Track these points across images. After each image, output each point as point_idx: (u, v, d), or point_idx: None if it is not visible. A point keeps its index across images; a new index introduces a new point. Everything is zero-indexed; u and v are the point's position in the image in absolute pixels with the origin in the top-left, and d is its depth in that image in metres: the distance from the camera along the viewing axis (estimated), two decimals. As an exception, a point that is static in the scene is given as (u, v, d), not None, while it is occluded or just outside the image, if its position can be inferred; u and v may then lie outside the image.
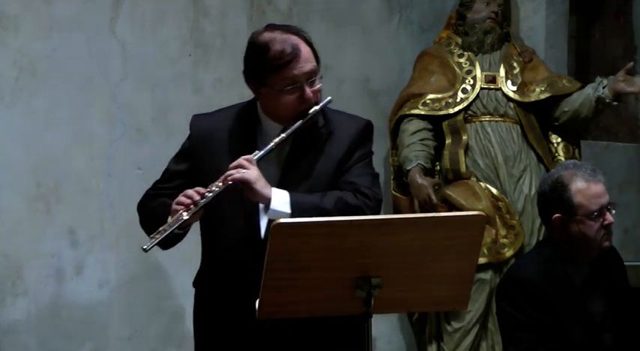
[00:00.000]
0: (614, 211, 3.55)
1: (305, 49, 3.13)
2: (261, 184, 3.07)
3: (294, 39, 3.13)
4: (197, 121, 3.31)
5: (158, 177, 3.38)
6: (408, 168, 5.09)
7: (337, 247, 2.81)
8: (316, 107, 3.16)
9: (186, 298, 3.50)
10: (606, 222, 3.52)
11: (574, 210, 3.50)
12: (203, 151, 3.24)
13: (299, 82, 3.12)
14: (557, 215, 3.53)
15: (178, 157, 3.33)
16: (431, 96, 5.22)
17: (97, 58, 4.54)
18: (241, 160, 3.09)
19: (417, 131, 5.18)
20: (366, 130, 3.25)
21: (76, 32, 4.48)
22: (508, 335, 3.57)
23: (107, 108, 4.57)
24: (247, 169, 3.07)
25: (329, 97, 3.20)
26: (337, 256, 2.82)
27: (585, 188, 3.51)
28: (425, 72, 5.30)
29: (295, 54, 3.10)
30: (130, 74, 4.62)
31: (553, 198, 3.54)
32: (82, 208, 4.50)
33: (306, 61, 3.13)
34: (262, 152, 3.12)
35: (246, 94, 3.30)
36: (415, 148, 5.13)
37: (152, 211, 3.25)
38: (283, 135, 3.13)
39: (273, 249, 2.79)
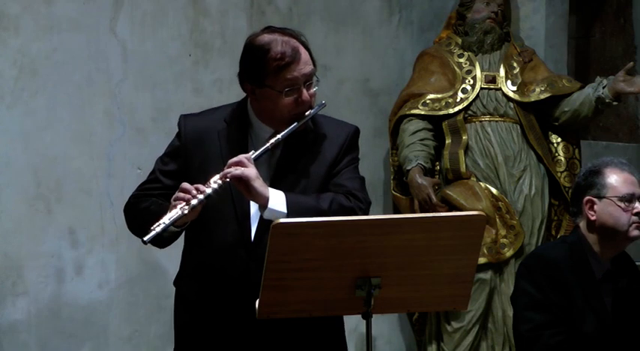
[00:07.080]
0: None
1: (304, 52, 3.17)
2: (259, 183, 3.07)
3: (294, 42, 3.17)
4: (187, 121, 3.31)
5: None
6: (408, 168, 5.09)
7: (337, 247, 2.81)
8: (312, 110, 3.19)
9: (186, 298, 3.51)
10: (636, 210, 3.61)
11: (605, 190, 3.62)
12: (194, 152, 3.23)
13: (298, 84, 3.14)
14: (587, 197, 3.64)
15: (167, 157, 3.30)
16: (431, 96, 5.22)
17: (97, 58, 4.54)
18: (241, 157, 3.09)
19: (417, 131, 5.18)
20: (356, 135, 3.31)
21: (76, 32, 4.48)
22: (520, 314, 3.64)
23: (107, 108, 4.57)
24: (246, 167, 3.07)
25: (323, 101, 3.24)
26: (337, 256, 2.83)
27: (619, 173, 3.65)
28: (425, 72, 5.30)
29: (295, 56, 3.13)
30: (130, 74, 4.62)
31: (586, 183, 3.67)
32: (82, 208, 4.50)
33: (305, 64, 3.16)
34: (259, 152, 3.13)
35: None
36: (415, 148, 5.13)
37: (145, 210, 3.21)
38: (279, 136, 3.14)
39: (272, 249, 2.79)
